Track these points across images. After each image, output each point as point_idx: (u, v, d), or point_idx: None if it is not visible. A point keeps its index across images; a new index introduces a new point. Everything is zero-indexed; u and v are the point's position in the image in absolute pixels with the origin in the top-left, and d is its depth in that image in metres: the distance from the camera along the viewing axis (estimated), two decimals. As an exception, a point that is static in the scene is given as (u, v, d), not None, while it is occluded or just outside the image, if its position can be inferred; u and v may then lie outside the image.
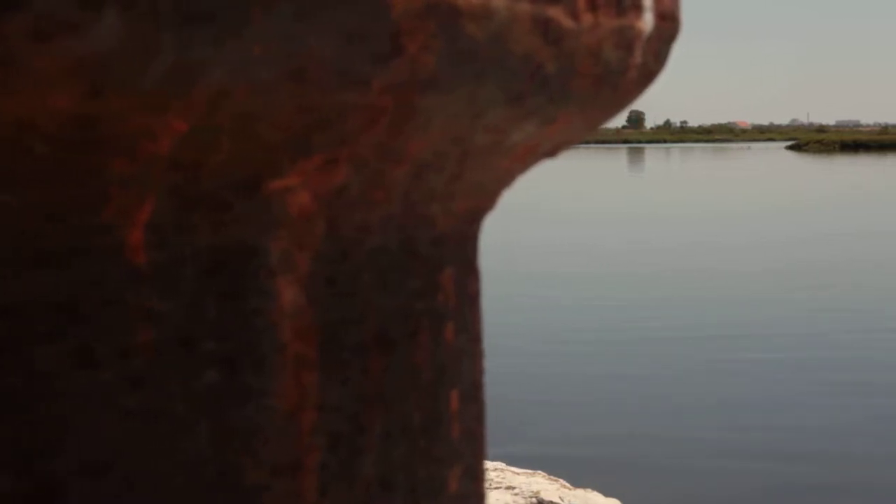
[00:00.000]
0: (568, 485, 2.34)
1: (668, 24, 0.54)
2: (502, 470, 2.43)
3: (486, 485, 2.65)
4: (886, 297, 12.93)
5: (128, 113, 0.36)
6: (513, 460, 2.58)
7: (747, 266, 15.89)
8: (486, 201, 0.51)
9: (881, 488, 6.44)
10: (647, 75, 0.53)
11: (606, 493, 2.33)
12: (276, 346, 0.43)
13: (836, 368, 9.44)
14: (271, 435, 0.43)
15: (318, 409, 0.44)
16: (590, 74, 0.48)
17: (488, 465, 2.50)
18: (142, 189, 0.39)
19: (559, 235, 20.61)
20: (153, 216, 0.40)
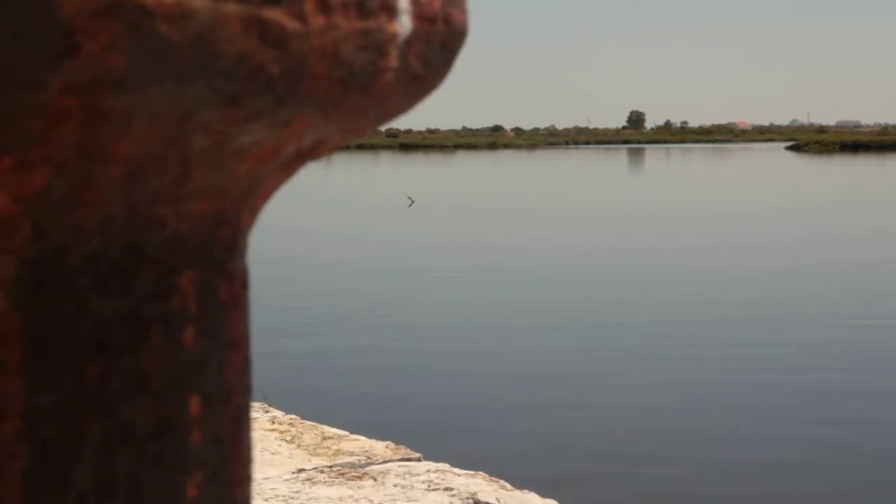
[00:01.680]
0: (508, 485, 2.33)
1: (438, 26, 0.53)
2: (444, 471, 2.41)
3: (426, 486, 2.64)
4: (887, 297, 12.90)
5: None
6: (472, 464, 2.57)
7: (747, 266, 15.86)
8: (234, 204, 0.50)
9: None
10: (415, 79, 0.52)
11: (544, 495, 2.32)
12: None
13: (835, 368, 9.42)
14: None
15: (22, 416, 0.43)
16: (327, 77, 0.47)
17: (430, 465, 2.49)
18: None
19: (559, 235, 20.58)
20: None
